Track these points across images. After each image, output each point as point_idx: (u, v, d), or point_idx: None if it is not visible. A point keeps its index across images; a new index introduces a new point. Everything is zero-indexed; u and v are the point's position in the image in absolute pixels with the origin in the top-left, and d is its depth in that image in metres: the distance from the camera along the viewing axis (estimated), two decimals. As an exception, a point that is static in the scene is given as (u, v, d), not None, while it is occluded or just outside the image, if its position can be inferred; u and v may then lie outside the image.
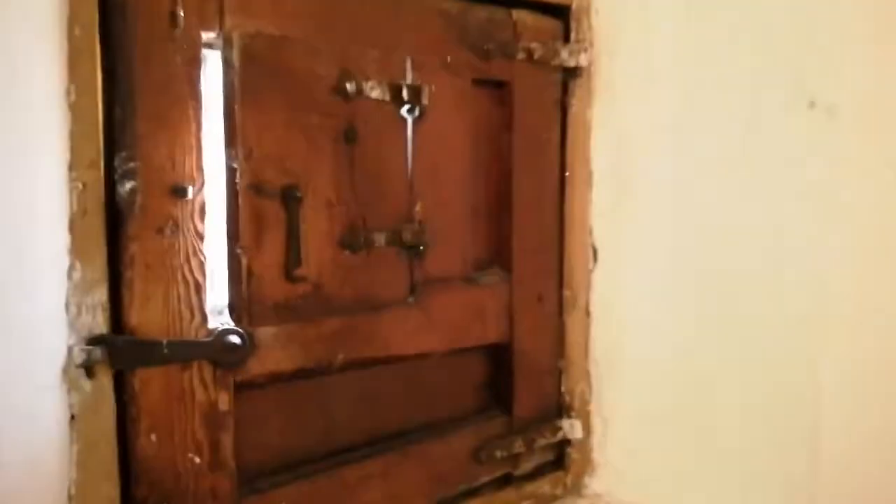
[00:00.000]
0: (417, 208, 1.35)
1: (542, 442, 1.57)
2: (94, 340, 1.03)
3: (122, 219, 1.05)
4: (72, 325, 1.02)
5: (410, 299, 1.35)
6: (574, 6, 1.55)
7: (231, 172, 1.08)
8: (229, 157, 1.08)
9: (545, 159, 1.55)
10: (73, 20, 1.00)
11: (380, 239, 1.26)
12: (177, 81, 1.05)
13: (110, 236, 1.05)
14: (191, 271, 1.10)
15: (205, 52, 1.07)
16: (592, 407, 1.66)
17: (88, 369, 1.03)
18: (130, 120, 1.04)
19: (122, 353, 1.05)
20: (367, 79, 1.22)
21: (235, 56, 1.04)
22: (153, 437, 1.09)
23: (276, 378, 1.21)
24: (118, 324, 1.07)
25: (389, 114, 1.27)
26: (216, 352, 1.12)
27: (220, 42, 1.07)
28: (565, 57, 1.54)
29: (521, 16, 1.49)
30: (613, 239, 1.64)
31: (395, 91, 1.26)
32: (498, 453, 1.50)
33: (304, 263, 1.15)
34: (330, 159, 1.17)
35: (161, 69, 1.04)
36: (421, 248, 1.35)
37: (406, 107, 1.30)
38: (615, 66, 1.61)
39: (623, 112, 1.62)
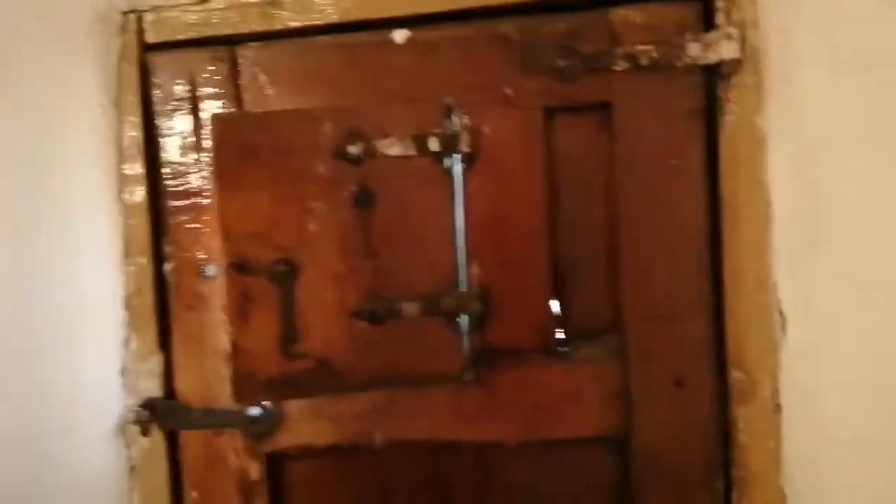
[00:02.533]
0: (474, 270, 1.17)
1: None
2: (144, 403, 1.20)
3: (165, 298, 1.20)
4: (131, 389, 1.21)
5: (466, 376, 1.17)
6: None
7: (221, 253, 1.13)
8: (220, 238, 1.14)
9: (676, 193, 1.16)
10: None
11: (410, 309, 1.13)
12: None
13: (159, 313, 1.21)
14: (217, 345, 1.18)
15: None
16: (794, 544, 1.13)
17: (142, 427, 1.20)
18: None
19: (164, 415, 1.19)
20: (385, 135, 1.14)
21: (211, 138, 1.10)
22: (195, 494, 1.19)
23: (310, 451, 1.19)
24: (170, 390, 1.21)
25: (422, 169, 1.15)
26: (242, 421, 1.17)
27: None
28: (697, 52, 1.14)
29: (623, 14, 1.17)
30: (809, 299, 1.12)
31: (421, 144, 1.13)
32: (617, 583, 1.15)
33: (305, 338, 1.11)
34: (335, 228, 1.12)
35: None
36: (475, 317, 1.16)
37: (447, 158, 1.15)
38: (795, 49, 1.13)
39: (813, 115, 1.11)
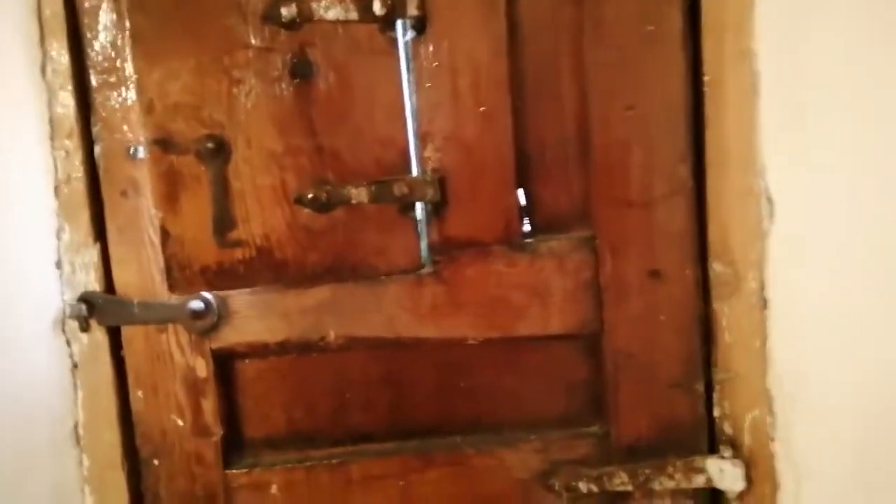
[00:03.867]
0: (427, 154, 1.06)
1: (665, 484, 1.08)
2: (81, 297, 1.12)
3: (98, 184, 1.11)
4: (68, 283, 1.13)
5: (424, 270, 1.07)
6: None
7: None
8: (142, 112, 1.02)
9: (653, 63, 1.02)
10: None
11: (358, 195, 1.02)
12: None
13: (92, 200, 1.12)
14: (152, 235, 1.09)
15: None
16: (777, 447, 1.06)
17: (81, 323, 1.12)
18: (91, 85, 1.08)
19: (103, 310, 1.11)
20: (321, -3, 1.00)
21: (123, 5, 0.97)
22: (140, 393, 1.13)
23: (261, 350, 1.12)
24: (110, 283, 1.13)
25: (367, 36, 1.01)
26: (184, 316, 1.09)
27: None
28: None
29: None
30: (799, 183, 1.00)
31: (363, 6, 0.99)
32: (583, 484, 1.09)
33: (242, 225, 1.02)
34: (270, 102, 1.00)
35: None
36: (430, 204, 1.05)
37: (396, 23, 1.02)
38: None
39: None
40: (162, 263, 1.06)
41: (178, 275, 1.01)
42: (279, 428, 1.16)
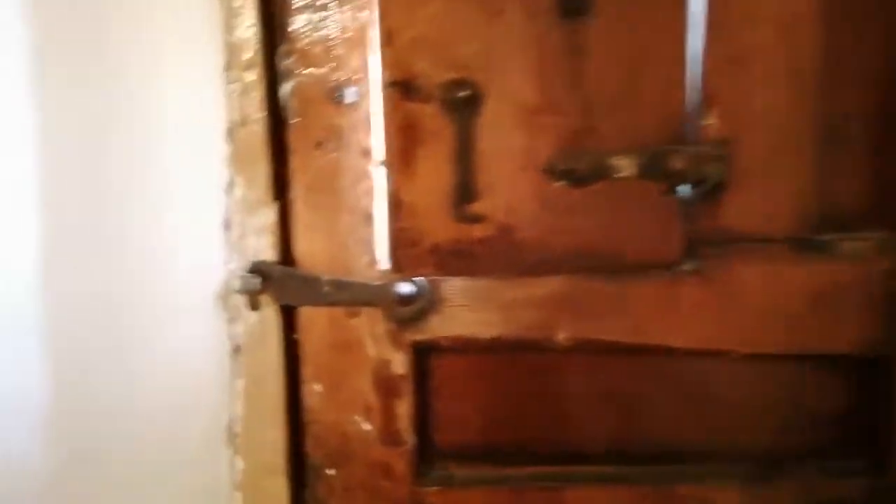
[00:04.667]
0: (710, 121, 0.85)
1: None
2: (255, 268, 0.91)
3: (282, 129, 0.89)
4: (236, 248, 0.92)
5: (687, 266, 0.87)
6: None
7: (378, 65, 0.80)
8: (377, 45, 0.81)
9: None
10: None
11: (625, 166, 0.82)
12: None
13: (273, 150, 0.90)
14: (358, 197, 0.88)
15: None
16: None
17: (250, 299, 0.92)
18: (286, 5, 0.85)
19: (281, 285, 0.90)
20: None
21: None
22: (317, 386, 0.94)
23: (472, 346, 0.92)
24: (284, 252, 0.92)
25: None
26: (386, 300, 0.89)
27: None
28: None
29: None
30: None
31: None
32: (849, 531, 0.91)
33: (484, 196, 0.81)
34: (533, 42, 0.79)
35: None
36: (710, 184, 0.85)
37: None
38: None
39: None
40: (363, 234, 0.85)
41: (406, 253, 0.80)
42: (475, 438, 0.97)
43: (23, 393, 0.86)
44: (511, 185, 0.81)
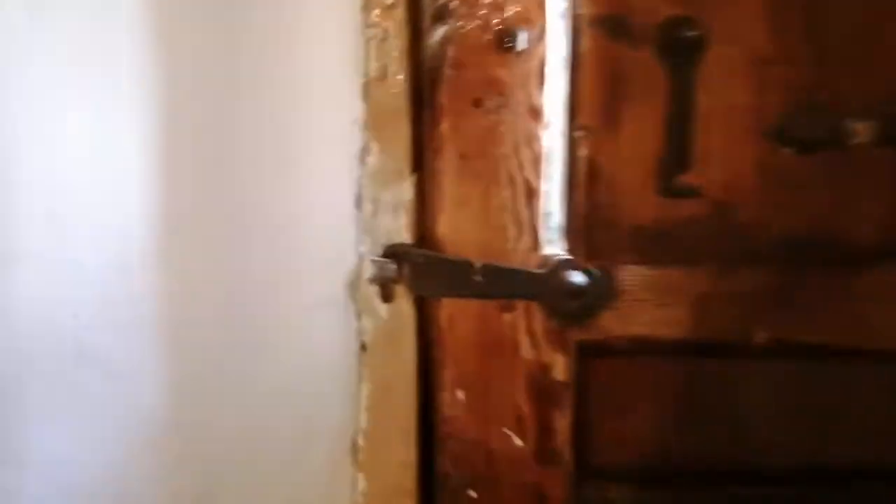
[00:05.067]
0: (966, 77, 0.68)
1: None
2: (391, 251, 0.76)
3: (429, 84, 0.73)
4: (365, 227, 0.76)
5: (928, 253, 0.71)
6: None
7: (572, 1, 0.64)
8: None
9: None
10: None
11: (861, 131, 0.66)
12: None
13: (415, 110, 0.74)
14: (520, 167, 0.72)
15: None
16: None
17: (383, 288, 0.76)
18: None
19: (420, 272, 0.75)
20: None
21: None
22: (460, 394, 0.78)
23: (650, 348, 0.77)
24: (422, 232, 0.77)
25: None
26: (551, 292, 0.73)
27: None
28: None
29: None
30: None
31: None
32: None
33: (698, 166, 0.65)
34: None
35: None
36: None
37: None
38: None
39: None
40: (526, 212, 0.70)
41: (604, 236, 0.64)
42: (641, 456, 0.82)
43: (136, 400, 0.71)
44: (731, 153, 0.65)
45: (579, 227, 0.68)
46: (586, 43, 0.62)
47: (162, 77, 0.69)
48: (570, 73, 0.66)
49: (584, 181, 0.65)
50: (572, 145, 0.68)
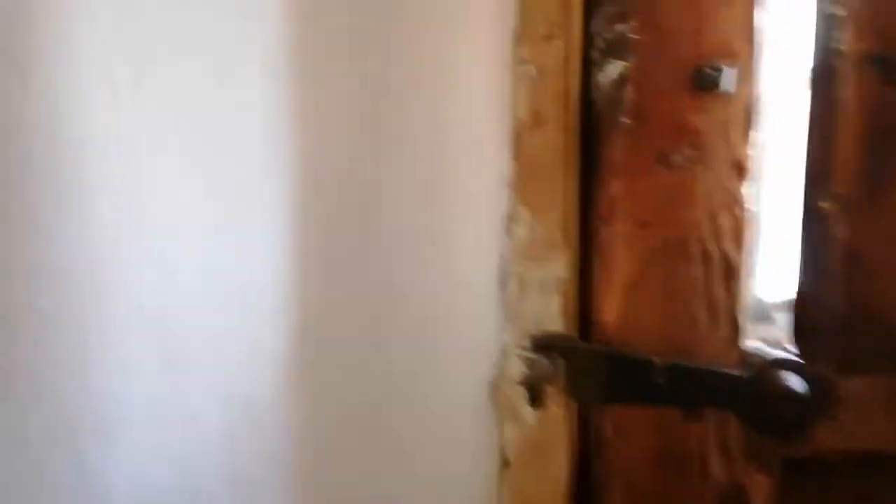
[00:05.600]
0: None
1: None
2: (542, 343, 0.59)
3: (598, 134, 0.58)
4: (509, 311, 0.60)
5: None
6: None
7: (824, 31, 0.49)
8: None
9: None
10: None
11: None
12: None
13: (577, 166, 0.59)
14: (717, 237, 0.57)
15: None
16: None
17: (532, 390, 0.60)
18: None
19: (583, 370, 0.58)
20: None
21: None
22: (627, 525, 0.61)
23: (866, 462, 0.60)
24: (582, 320, 0.61)
25: None
26: (756, 400, 0.57)
27: None
28: None
29: None
30: None
31: None
32: None
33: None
34: None
35: None
36: None
37: None
38: None
39: None
40: (726, 296, 0.54)
41: (852, 338, 0.48)
42: None
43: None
44: None
45: (820, 326, 0.52)
46: (852, 90, 0.47)
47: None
48: (815, 125, 0.51)
49: (836, 266, 0.49)
50: (814, 217, 0.52)
